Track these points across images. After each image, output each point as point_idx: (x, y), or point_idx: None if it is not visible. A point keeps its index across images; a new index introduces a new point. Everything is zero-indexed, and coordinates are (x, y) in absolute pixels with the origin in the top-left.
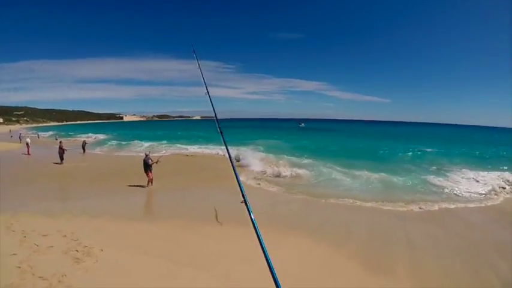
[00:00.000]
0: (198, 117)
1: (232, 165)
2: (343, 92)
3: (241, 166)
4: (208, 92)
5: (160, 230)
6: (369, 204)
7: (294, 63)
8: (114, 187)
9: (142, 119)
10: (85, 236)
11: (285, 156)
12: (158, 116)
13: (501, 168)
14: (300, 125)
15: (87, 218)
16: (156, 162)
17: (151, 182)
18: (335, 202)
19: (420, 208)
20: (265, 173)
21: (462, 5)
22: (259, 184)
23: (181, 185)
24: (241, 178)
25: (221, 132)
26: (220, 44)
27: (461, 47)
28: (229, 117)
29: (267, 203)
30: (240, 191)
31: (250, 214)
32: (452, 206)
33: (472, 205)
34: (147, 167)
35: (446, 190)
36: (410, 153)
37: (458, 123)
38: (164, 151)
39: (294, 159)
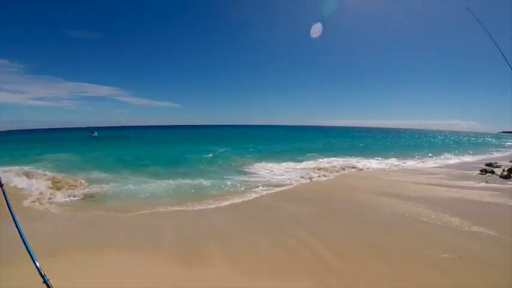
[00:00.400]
0: None
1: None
2: (136, 98)
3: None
4: None
5: None
6: (174, 208)
7: (87, 65)
8: None
9: None
10: None
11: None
12: None
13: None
14: (93, 134)
15: None
16: None
17: None
18: (137, 213)
19: (218, 203)
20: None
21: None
22: (47, 209)
23: None
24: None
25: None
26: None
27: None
28: (10, 129)
29: (63, 227)
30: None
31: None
32: (253, 196)
33: (269, 191)
34: None
35: (248, 184)
36: (210, 155)
37: (248, 123)
38: None
39: (88, 175)
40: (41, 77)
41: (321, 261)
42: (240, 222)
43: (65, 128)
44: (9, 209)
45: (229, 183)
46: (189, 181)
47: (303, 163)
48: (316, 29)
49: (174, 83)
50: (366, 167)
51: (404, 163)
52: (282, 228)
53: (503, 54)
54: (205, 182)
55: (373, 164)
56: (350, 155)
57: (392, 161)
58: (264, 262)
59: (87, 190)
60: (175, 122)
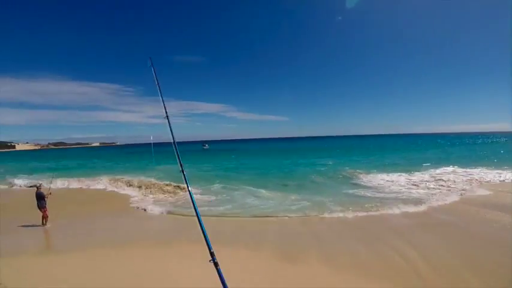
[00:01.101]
0: (97, 144)
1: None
2: (242, 113)
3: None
4: (167, 116)
5: (80, 260)
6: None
7: (194, 86)
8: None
9: (36, 147)
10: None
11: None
12: (54, 144)
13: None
14: (204, 147)
15: None
16: (50, 194)
17: (46, 220)
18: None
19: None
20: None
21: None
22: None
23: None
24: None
25: (182, 171)
26: (120, 66)
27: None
28: (132, 143)
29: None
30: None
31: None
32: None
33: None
34: (41, 201)
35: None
36: (321, 168)
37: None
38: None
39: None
40: (152, 98)
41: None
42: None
43: (178, 142)
44: (194, 205)
45: (343, 197)
46: (301, 194)
47: (416, 174)
48: None
49: (280, 97)
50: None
51: None
52: (382, 240)
53: None
54: (318, 196)
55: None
56: (466, 165)
57: None
58: (356, 265)
59: (198, 196)
60: (281, 134)
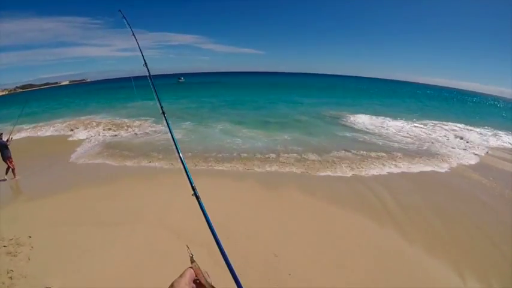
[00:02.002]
0: (66, 82)
1: (177, 149)
2: (218, 45)
3: None
4: (146, 63)
5: (75, 199)
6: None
7: (168, 15)
8: None
9: (3, 92)
10: None
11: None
12: (21, 87)
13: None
14: (180, 80)
15: None
16: (9, 142)
17: (14, 171)
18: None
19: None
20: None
21: None
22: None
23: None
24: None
25: (163, 113)
26: None
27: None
28: (103, 78)
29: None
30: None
31: (202, 209)
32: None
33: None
34: (4, 150)
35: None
36: (300, 105)
37: (329, 73)
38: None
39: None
40: (123, 29)
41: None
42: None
43: (152, 75)
44: (185, 169)
45: (341, 141)
46: (289, 134)
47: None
48: None
49: (257, 29)
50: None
51: None
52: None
53: None
54: (314, 137)
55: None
56: (449, 119)
57: None
58: (334, 197)
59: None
60: (258, 68)
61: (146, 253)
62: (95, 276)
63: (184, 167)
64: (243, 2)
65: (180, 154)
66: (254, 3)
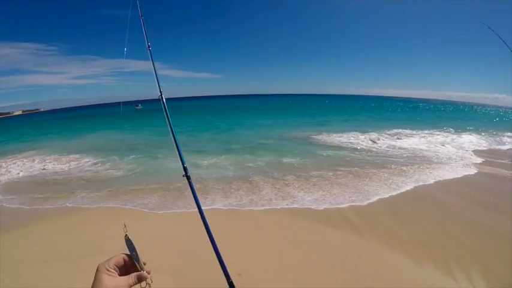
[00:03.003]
0: (19, 112)
1: (173, 133)
2: (174, 70)
3: None
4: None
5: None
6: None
7: (122, 42)
8: None
9: None
10: None
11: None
12: None
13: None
14: (137, 107)
15: None
16: None
17: None
18: None
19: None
20: None
21: None
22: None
23: None
24: None
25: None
26: (40, 22)
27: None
28: (57, 108)
29: None
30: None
31: (193, 190)
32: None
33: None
34: None
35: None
36: (262, 128)
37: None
38: None
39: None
40: (79, 56)
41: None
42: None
43: (106, 103)
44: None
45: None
46: (267, 157)
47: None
48: None
49: (213, 54)
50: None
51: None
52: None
53: None
54: (289, 158)
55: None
56: (418, 127)
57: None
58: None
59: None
60: (215, 92)
61: None
62: None
63: (177, 147)
64: (197, 27)
65: (175, 135)
66: (207, 28)
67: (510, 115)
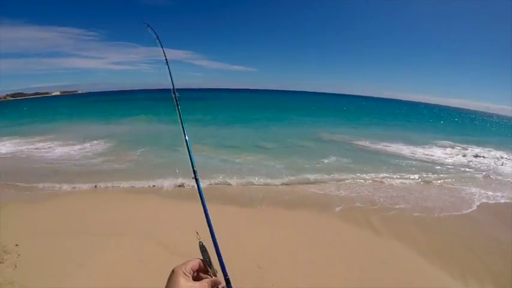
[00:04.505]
0: (57, 93)
1: (185, 134)
2: (211, 61)
3: None
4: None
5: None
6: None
7: (161, 31)
8: None
9: None
10: None
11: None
12: (11, 95)
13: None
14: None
15: None
16: None
17: None
18: None
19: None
20: None
21: None
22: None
23: None
24: None
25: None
26: (82, 9)
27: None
28: (94, 91)
29: None
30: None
31: (200, 192)
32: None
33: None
34: None
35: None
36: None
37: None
38: None
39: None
40: (116, 43)
41: None
42: None
43: (144, 90)
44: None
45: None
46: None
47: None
48: None
49: (250, 47)
50: None
51: None
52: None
53: None
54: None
55: None
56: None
57: None
58: None
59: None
60: (249, 85)
61: (135, 263)
62: (83, 284)
63: (188, 150)
64: (233, 17)
65: (186, 137)
66: (245, 19)
67: None
